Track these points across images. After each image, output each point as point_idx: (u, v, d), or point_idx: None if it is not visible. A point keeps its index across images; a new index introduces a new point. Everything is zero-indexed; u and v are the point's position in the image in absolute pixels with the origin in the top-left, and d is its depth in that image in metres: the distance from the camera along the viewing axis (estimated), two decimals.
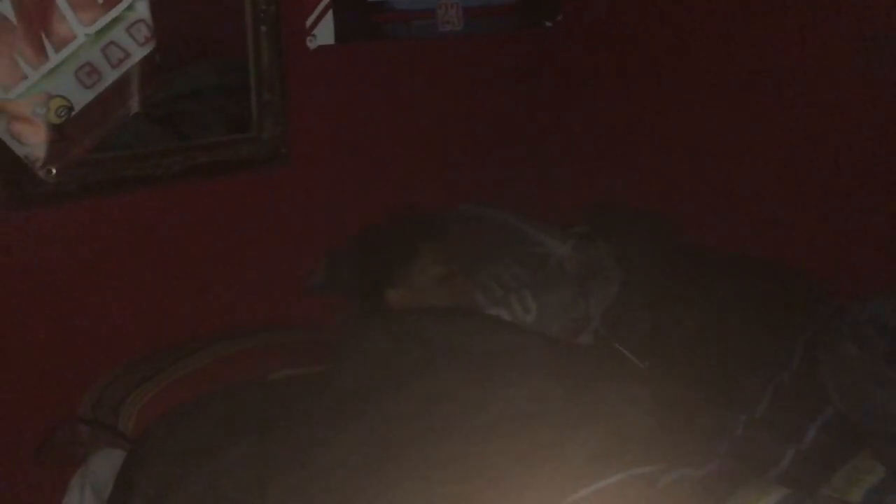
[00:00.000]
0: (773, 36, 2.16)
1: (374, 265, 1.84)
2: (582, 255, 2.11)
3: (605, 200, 2.47)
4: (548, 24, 2.52)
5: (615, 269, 2.09)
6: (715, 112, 2.32)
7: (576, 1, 2.52)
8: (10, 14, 1.49)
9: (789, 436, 1.48)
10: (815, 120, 2.12)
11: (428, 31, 2.21)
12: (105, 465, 1.62)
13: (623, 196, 2.47)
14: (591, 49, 2.55)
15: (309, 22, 1.98)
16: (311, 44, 2.00)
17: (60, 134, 1.57)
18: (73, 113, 1.58)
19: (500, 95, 2.47)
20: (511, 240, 2.13)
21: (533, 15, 2.47)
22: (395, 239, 1.86)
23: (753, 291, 1.97)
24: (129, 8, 1.57)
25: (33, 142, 1.55)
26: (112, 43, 1.58)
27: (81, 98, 1.58)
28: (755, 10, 2.17)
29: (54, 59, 1.54)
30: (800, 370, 1.68)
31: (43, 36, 1.53)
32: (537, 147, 2.59)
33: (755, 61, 2.21)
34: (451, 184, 2.37)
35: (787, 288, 2.00)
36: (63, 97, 1.56)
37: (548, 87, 2.59)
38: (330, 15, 2.01)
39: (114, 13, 1.57)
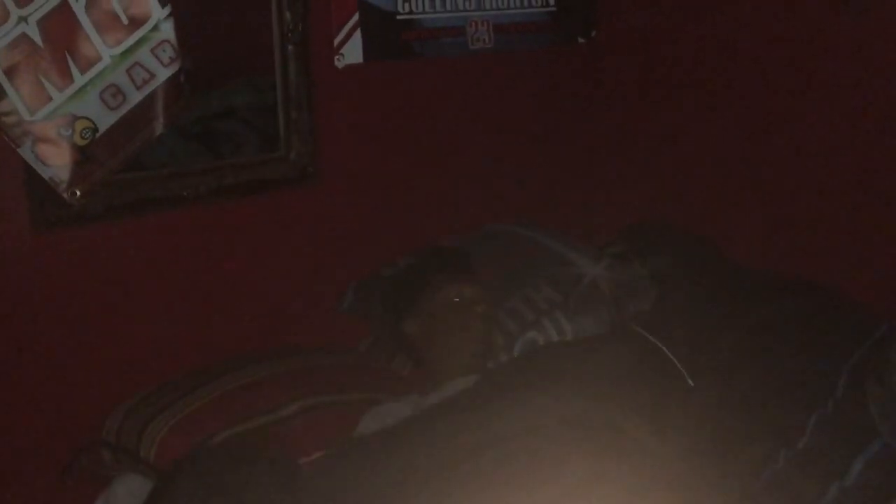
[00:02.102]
0: (817, 48, 2.09)
1: (393, 297, 1.85)
2: (616, 274, 2.06)
3: (644, 219, 2.42)
4: (581, 39, 2.48)
5: (651, 289, 2.04)
6: (757, 128, 2.26)
7: (610, 16, 2.48)
8: (37, 37, 1.50)
9: (833, 471, 1.40)
10: (861, 137, 2.06)
11: (458, 48, 2.18)
12: (127, 490, 1.59)
13: (661, 214, 2.42)
14: (626, 65, 2.51)
15: (337, 41, 1.97)
16: (340, 63, 1.98)
17: (85, 155, 1.57)
18: (98, 134, 1.58)
19: (533, 113, 2.43)
20: (542, 260, 2.08)
21: (566, 31, 2.43)
22: (411, 271, 1.87)
23: (796, 314, 1.89)
24: (154, 29, 1.57)
25: (58, 163, 1.55)
26: (137, 64, 1.58)
27: (106, 119, 1.58)
28: (798, 22, 2.12)
29: (79, 80, 1.54)
30: (845, 399, 1.60)
31: (68, 58, 1.53)
32: (572, 165, 2.54)
33: (798, 76, 2.15)
34: (483, 203, 2.34)
35: (833, 310, 1.92)
36: (88, 119, 1.56)
37: (582, 104, 2.54)
38: (358, 33, 1.99)
39: (139, 34, 1.56)
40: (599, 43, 2.50)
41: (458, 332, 1.75)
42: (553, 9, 2.36)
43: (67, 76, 1.53)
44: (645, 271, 2.12)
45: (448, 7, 2.14)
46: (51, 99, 1.52)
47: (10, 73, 1.48)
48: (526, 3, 2.29)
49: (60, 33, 1.51)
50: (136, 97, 1.59)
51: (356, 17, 1.98)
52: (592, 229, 2.42)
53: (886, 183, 2.03)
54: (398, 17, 2.06)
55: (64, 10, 1.51)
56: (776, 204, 2.24)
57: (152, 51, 1.58)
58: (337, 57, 1.97)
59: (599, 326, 1.94)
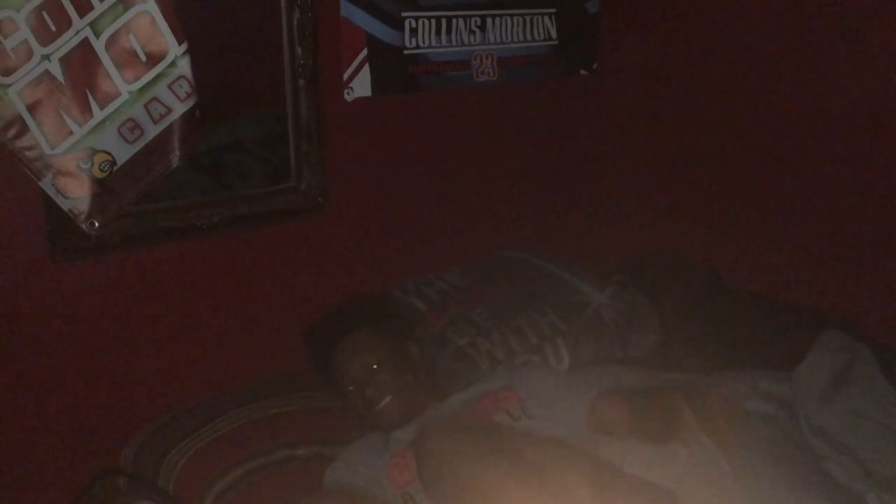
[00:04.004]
0: (820, 78, 2.14)
1: (315, 366, 1.82)
2: (619, 304, 2.08)
3: (647, 249, 2.45)
4: (584, 72, 2.53)
5: (655, 318, 2.06)
6: (759, 158, 2.30)
7: (612, 49, 2.54)
8: (59, 74, 1.55)
9: None
10: (865, 165, 2.09)
11: (463, 81, 2.24)
12: None
13: (664, 244, 2.45)
14: (627, 97, 2.56)
15: (346, 75, 2.02)
16: (349, 96, 2.03)
17: (103, 188, 1.61)
18: (116, 167, 1.62)
19: (537, 144, 2.47)
20: (549, 286, 2.12)
21: (569, 63, 2.49)
22: (320, 339, 1.80)
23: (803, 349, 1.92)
24: (172, 65, 1.61)
25: (77, 195, 1.60)
26: (154, 99, 1.62)
27: (124, 153, 1.62)
28: (801, 53, 2.16)
29: (99, 115, 1.59)
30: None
31: (88, 93, 1.58)
32: (575, 195, 2.58)
33: (800, 105, 2.19)
34: (488, 232, 2.37)
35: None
36: (106, 152, 1.61)
37: (585, 134, 2.59)
38: (367, 68, 2.05)
39: (156, 70, 1.61)
40: (601, 75, 2.55)
41: (383, 390, 1.69)
42: (556, 42, 2.41)
43: (87, 111, 1.58)
44: (649, 301, 2.15)
45: (454, 42, 2.20)
46: (71, 133, 1.57)
47: (32, 108, 1.53)
48: (529, 36, 2.35)
49: (81, 70, 1.56)
50: (153, 131, 1.63)
51: (365, 51, 2.03)
52: (595, 259, 2.45)
53: (886, 209, 2.06)
54: (405, 52, 2.11)
55: (85, 48, 1.56)
56: (779, 233, 2.27)
57: (169, 86, 1.62)
58: (346, 90, 2.03)
59: (600, 355, 1.97)
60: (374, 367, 1.71)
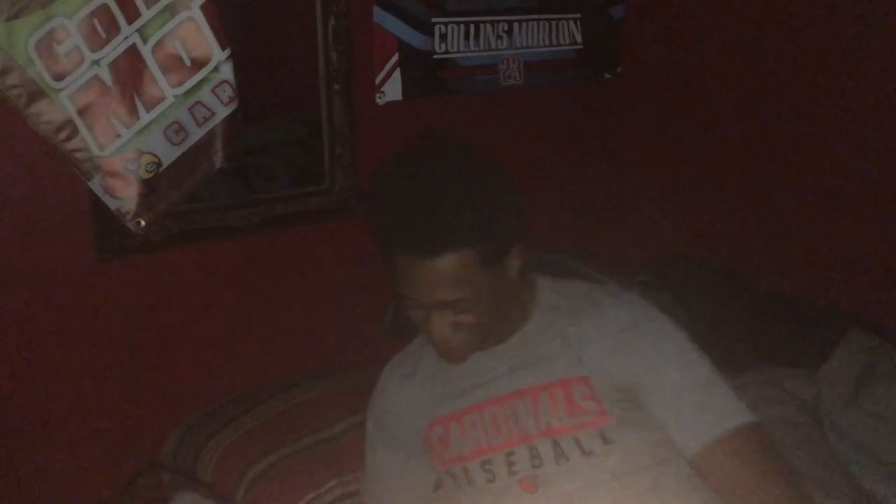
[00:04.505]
0: (841, 84, 2.17)
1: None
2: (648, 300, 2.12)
3: (668, 251, 2.48)
4: (607, 76, 2.57)
5: (683, 317, 2.10)
6: (780, 162, 2.33)
7: (635, 53, 2.58)
8: (108, 78, 1.61)
9: None
10: (881, 168, 2.12)
11: (490, 85, 2.29)
12: None
13: (685, 246, 2.49)
14: (650, 100, 2.60)
15: (378, 79, 2.07)
16: (380, 100, 2.08)
17: (149, 188, 1.67)
18: (162, 168, 1.67)
19: (561, 147, 2.51)
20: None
21: (593, 67, 2.53)
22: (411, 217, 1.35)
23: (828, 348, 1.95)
24: (215, 70, 1.67)
25: (124, 196, 1.65)
26: (199, 103, 1.67)
27: (169, 154, 1.68)
28: (823, 59, 2.19)
29: (145, 118, 1.64)
30: None
31: (135, 97, 1.63)
32: (598, 197, 2.62)
33: (820, 109, 2.22)
34: None
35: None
36: (152, 154, 1.66)
37: (608, 137, 2.63)
38: (398, 73, 2.10)
39: (201, 75, 1.66)
40: (625, 79, 2.59)
41: (457, 329, 1.35)
42: (580, 46, 2.46)
43: (134, 114, 1.63)
44: (673, 300, 2.19)
45: (481, 46, 2.24)
46: (119, 136, 1.63)
47: (82, 112, 1.59)
48: (555, 41, 2.40)
49: (129, 75, 1.62)
50: (197, 134, 1.69)
51: (396, 56, 2.09)
52: (618, 260, 2.49)
53: None
54: (435, 57, 2.17)
55: (132, 53, 1.62)
56: (801, 234, 2.30)
57: (213, 90, 1.67)
58: (378, 94, 2.08)
59: None
60: (458, 298, 1.29)
